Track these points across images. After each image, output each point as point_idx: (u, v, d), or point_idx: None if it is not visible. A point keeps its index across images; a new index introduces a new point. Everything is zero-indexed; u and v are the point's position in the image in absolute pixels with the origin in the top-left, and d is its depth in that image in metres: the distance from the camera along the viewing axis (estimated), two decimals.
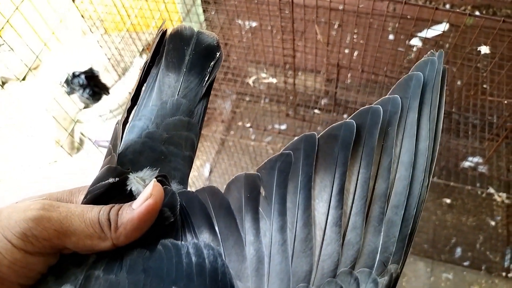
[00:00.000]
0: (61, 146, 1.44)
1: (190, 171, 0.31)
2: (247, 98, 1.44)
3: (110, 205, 0.25)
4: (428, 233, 1.56)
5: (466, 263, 1.52)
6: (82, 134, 1.62)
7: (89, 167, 1.59)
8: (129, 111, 0.31)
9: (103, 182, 0.26)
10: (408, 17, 1.20)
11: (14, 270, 0.22)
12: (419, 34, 1.14)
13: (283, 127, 1.37)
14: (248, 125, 1.24)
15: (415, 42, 1.12)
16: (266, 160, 0.26)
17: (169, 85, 0.31)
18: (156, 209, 0.24)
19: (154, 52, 0.31)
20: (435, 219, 1.58)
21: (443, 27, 0.98)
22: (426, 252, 1.54)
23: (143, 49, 1.41)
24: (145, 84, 0.32)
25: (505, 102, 0.90)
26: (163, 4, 1.24)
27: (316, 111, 1.16)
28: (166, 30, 0.32)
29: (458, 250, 1.55)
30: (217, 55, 0.32)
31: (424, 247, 1.55)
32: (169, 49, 0.32)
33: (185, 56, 0.31)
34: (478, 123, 0.99)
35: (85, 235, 0.24)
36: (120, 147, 0.29)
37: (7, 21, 1.04)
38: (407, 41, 1.03)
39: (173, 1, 1.33)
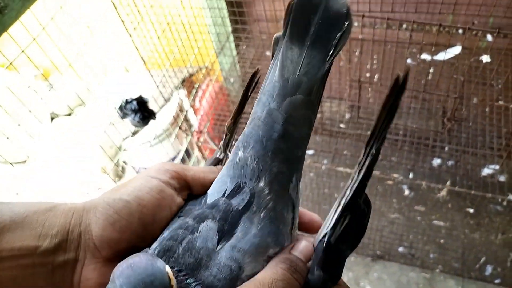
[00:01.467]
0: (107, 174, 1.57)
1: (306, 149, 0.33)
2: None
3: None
4: (457, 251, 1.58)
5: (497, 281, 1.52)
6: (124, 162, 1.75)
7: None
8: (238, 112, 0.37)
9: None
10: (424, 43, 1.32)
11: (152, 197, 0.30)
12: (435, 57, 1.25)
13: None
14: None
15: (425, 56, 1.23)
16: None
17: (291, 60, 0.30)
18: None
19: (285, 23, 0.30)
20: (464, 238, 1.61)
21: (457, 50, 1.09)
22: (456, 270, 1.56)
23: (182, 82, 1.56)
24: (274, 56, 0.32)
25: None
26: (200, 41, 1.40)
27: (342, 125, 1.27)
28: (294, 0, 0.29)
29: (489, 268, 1.56)
30: (345, 25, 0.29)
31: (454, 265, 1.57)
32: (295, 17, 0.30)
33: (311, 27, 0.29)
34: (495, 134, 1.07)
35: (200, 171, 0.34)
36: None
37: (70, 65, 1.21)
38: (418, 55, 1.14)
39: (209, 39, 1.50)
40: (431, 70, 1.22)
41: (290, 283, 0.27)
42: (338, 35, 0.29)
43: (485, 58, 0.92)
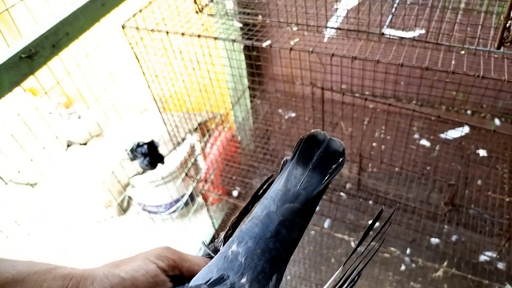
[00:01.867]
0: (109, 207, 1.60)
1: (291, 255, 0.37)
2: None
3: None
4: None
5: None
6: (129, 197, 1.79)
7: (131, 228, 1.73)
8: (245, 210, 0.40)
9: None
10: (432, 118, 1.35)
11: (146, 280, 0.33)
12: (441, 135, 1.28)
13: None
14: None
15: (424, 142, 1.25)
16: None
17: (295, 176, 0.37)
18: None
19: (295, 150, 0.39)
20: None
21: (465, 129, 1.12)
22: None
23: (195, 128, 1.62)
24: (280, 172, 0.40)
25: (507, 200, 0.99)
26: (218, 91, 1.46)
27: (342, 194, 1.28)
28: (305, 136, 0.39)
29: None
30: (340, 160, 0.37)
31: None
32: (303, 147, 0.38)
33: (314, 156, 0.37)
34: (495, 220, 1.07)
35: (195, 263, 0.37)
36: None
37: (96, 99, 1.27)
38: (418, 141, 1.17)
39: (227, 93, 1.57)
40: (437, 147, 1.24)
41: None
42: (334, 166, 0.37)
43: (482, 152, 0.95)
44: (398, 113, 1.12)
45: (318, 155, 0.37)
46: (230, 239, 0.38)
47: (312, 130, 0.38)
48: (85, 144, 2.10)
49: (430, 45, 0.89)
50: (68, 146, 2.15)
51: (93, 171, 1.73)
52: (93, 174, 1.71)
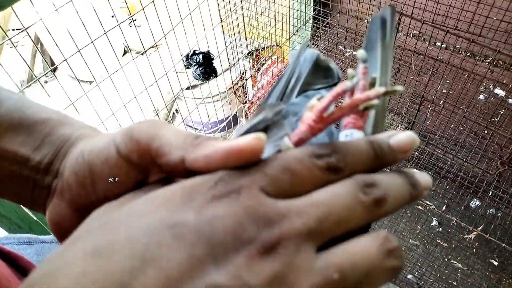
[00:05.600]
0: (157, 115, 1.66)
1: None
2: None
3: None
4: None
5: None
6: (176, 110, 1.84)
7: None
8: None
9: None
10: (505, 81, 1.25)
11: (107, 168, 0.24)
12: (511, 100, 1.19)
13: None
14: None
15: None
16: None
17: None
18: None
19: None
20: None
21: None
22: None
23: (250, 53, 1.60)
24: None
25: None
26: (280, 20, 1.42)
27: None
28: None
29: None
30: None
31: None
32: None
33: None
34: None
35: (168, 142, 0.22)
36: None
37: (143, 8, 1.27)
38: (492, 89, 1.09)
39: (288, 22, 1.51)
40: (502, 112, 1.16)
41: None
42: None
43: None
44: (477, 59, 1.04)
45: None
46: None
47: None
48: (142, 54, 2.14)
49: None
50: (125, 53, 2.20)
51: (146, 78, 1.77)
52: (146, 81, 1.76)
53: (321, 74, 0.32)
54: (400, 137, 0.22)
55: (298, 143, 0.22)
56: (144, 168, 0.24)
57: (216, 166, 0.20)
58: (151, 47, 1.70)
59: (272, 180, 0.19)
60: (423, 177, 0.22)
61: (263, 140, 0.20)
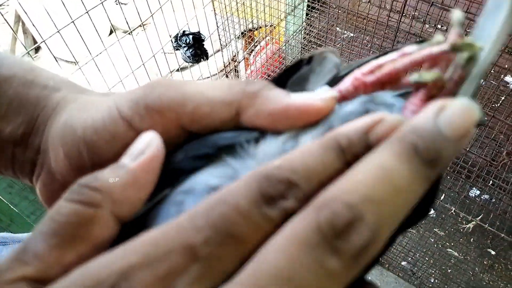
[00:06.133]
0: None
1: None
2: None
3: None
4: (459, 285, 1.53)
5: None
6: None
7: None
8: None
9: None
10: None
11: (114, 148, 0.19)
12: None
13: None
14: None
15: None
16: None
17: None
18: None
19: None
20: (471, 275, 1.55)
21: None
22: None
23: (242, 33, 1.53)
24: None
25: None
26: (273, 0, 1.34)
27: None
28: None
29: None
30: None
31: None
32: None
33: None
34: None
35: (207, 99, 0.18)
36: None
37: None
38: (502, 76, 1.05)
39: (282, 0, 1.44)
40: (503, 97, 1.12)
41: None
42: None
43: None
44: None
45: None
46: None
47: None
48: (129, 33, 2.05)
49: None
50: (111, 32, 2.10)
51: (133, 59, 1.69)
52: (132, 63, 1.68)
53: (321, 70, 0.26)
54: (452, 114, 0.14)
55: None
56: (166, 136, 0.18)
57: (285, 126, 0.17)
58: (138, 26, 1.62)
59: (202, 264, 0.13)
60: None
61: (336, 99, 0.18)
